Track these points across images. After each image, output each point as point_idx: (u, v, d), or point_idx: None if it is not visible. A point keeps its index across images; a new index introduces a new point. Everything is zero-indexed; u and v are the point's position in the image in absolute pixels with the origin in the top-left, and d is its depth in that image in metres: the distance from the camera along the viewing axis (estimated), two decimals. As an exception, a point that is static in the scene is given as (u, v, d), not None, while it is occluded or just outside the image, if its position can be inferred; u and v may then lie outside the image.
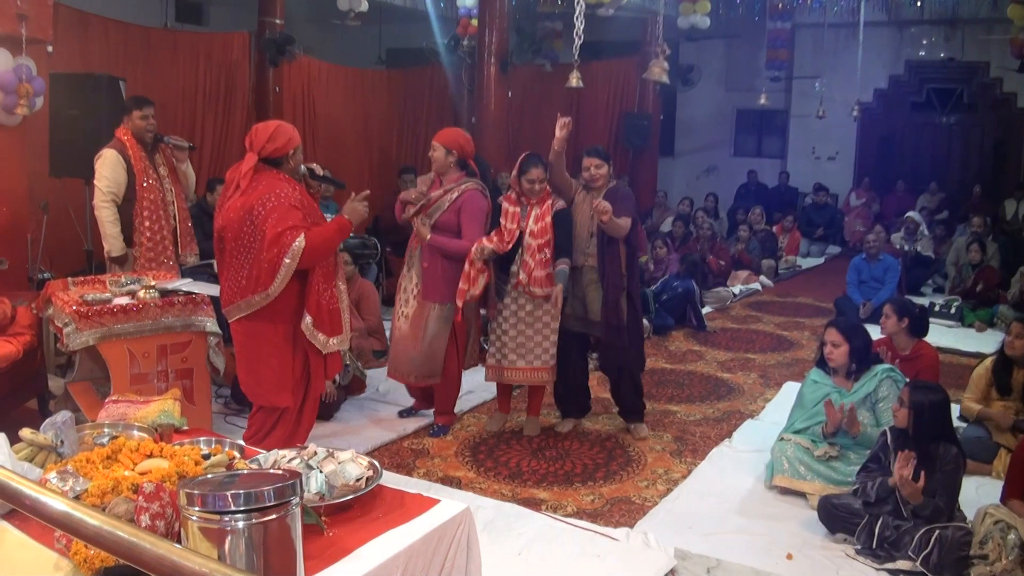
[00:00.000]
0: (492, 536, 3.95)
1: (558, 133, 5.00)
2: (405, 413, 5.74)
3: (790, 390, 6.03)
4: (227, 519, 2.05)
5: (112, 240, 5.60)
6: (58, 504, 1.50)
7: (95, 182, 5.58)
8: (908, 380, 4.69)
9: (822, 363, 4.82)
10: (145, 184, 5.61)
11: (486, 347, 6.86)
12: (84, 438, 2.98)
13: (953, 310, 8.88)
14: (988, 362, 5.24)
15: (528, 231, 5.13)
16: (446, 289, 5.19)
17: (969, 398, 5.21)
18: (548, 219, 5.14)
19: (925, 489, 3.84)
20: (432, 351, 5.26)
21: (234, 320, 4.19)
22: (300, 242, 3.95)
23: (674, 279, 8.72)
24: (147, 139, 5.69)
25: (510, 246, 5.17)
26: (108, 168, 5.54)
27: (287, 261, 3.96)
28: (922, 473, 3.83)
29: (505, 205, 5.24)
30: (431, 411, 5.67)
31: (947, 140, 15.53)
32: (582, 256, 5.26)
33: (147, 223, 5.62)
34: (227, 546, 2.06)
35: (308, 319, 4.11)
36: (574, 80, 6.77)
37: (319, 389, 4.37)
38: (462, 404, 5.94)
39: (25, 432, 2.75)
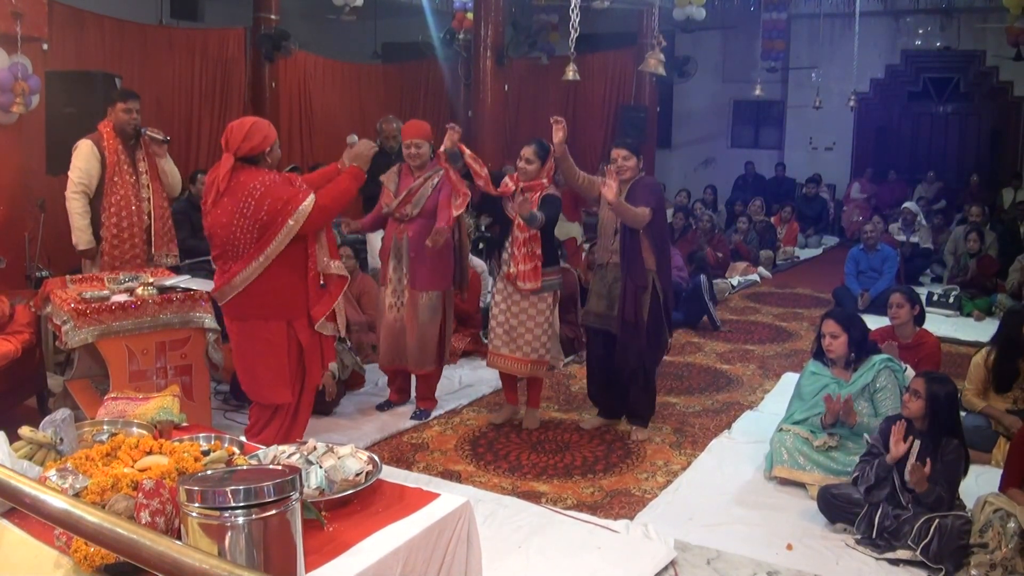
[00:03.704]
0: (492, 529, 3.95)
1: (555, 138, 4.94)
2: (383, 406, 5.76)
3: (789, 381, 6.03)
4: (227, 515, 2.06)
5: (79, 233, 5.47)
6: (58, 502, 1.50)
7: (69, 172, 5.45)
8: (917, 371, 4.70)
9: (819, 354, 4.83)
10: (116, 179, 5.45)
11: (485, 340, 6.90)
12: (83, 435, 2.98)
13: (952, 299, 8.89)
14: (984, 351, 5.23)
15: (516, 222, 5.14)
16: (433, 277, 5.34)
17: (970, 390, 5.20)
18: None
19: (929, 477, 3.85)
20: (424, 340, 5.40)
21: (229, 320, 4.20)
22: (309, 202, 3.96)
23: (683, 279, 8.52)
24: (128, 132, 5.54)
25: (490, 188, 5.24)
26: (82, 159, 5.41)
27: (290, 223, 3.95)
28: (927, 460, 3.85)
29: (507, 179, 5.32)
30: (408, 404, 5.75)
31: (944, 129, 15.54)
32: (607, 253, 5.21)
33: (114, 219, 5.46)
34: (227, 542, 2.06)
35: (334, 262, 4.19)
36: (570, 73, 6.75)
37: (315, 380, 4.37)
38: (461, 398, 5.97)
39: (24, 430, 2.75)
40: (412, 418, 5.58)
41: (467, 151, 5.24)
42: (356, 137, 4.43)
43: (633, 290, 5.08)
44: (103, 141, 5.46)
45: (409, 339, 5.43)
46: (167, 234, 5.73)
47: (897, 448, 3.91)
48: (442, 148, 5.21)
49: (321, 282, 4.19)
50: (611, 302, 5.20)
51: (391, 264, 5.41)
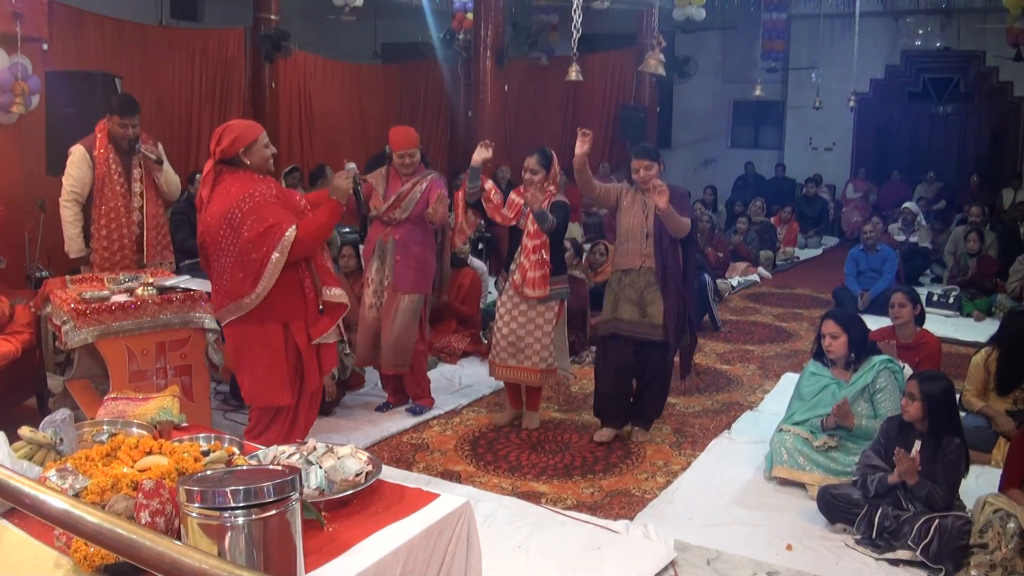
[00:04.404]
0: (492, 530, 3.95)
1: (578, 149, 4.94)
2: (382, 408, 5.76)
3: (789, 381, 6.03)
4: (227, 515, 2.05)
5: (69, 241, 5.42)
6: (58, 502, 1.50)
7: (63, 178, 5.40)
8: (912, 371, 4.70)
9: (819, 355, 4.82)
10: (107, 190, 5.35)
11: (484, 340, 6.91)
12: (83, 436, 2.98)
13: (952, 300, 8.90)
14: (984, 352, 5.23)
15: (525, 231, 5.14)
16: (416, 280, 5.40)
17: (970, 391, 5.20)
18: None
19: (926, 474, 3.85)
20: (401, 341, 5.42)
21: (225, 324, 4.21)
22: (291, 233, 3.97)
23: None
24: (123, 145, 5.42)
25: (503, 217, 5.28)
26: (74, 166, 5.34)
27: (275, 256, 3.96)
28: (917, 452, 3.85)
29: (513, 195, 5.32)
30: (405, 406, 5.75)
31: (944, 130, 15.55)
32: (638, 257, 5.09)
33: (104, 231, 5.38)
34: (227, 542, 2.06)
35: (336, 290, 4.18)
36: (573, 74, 6.76)
37: (313, 384, 4.34)
38: (461, 398, 5.97)
39: (24, 430, 2.75)
40: (408, 411, 5.63)
41: (489, 182, 5.31)
42: (354, 165, 4.47)
43: (675, 297, 5.05)
44: (95, 149, 5.37)
45: (384, 339, 5.45)
46: (161, 242, 5.63)
47: (901, 467, 3.89)
48: (473, 163, 5.23)
49: (320, 307, 4.21)
50: (643, 308, 5.07)
51: (374, 265, 5.46)
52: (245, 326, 4.14)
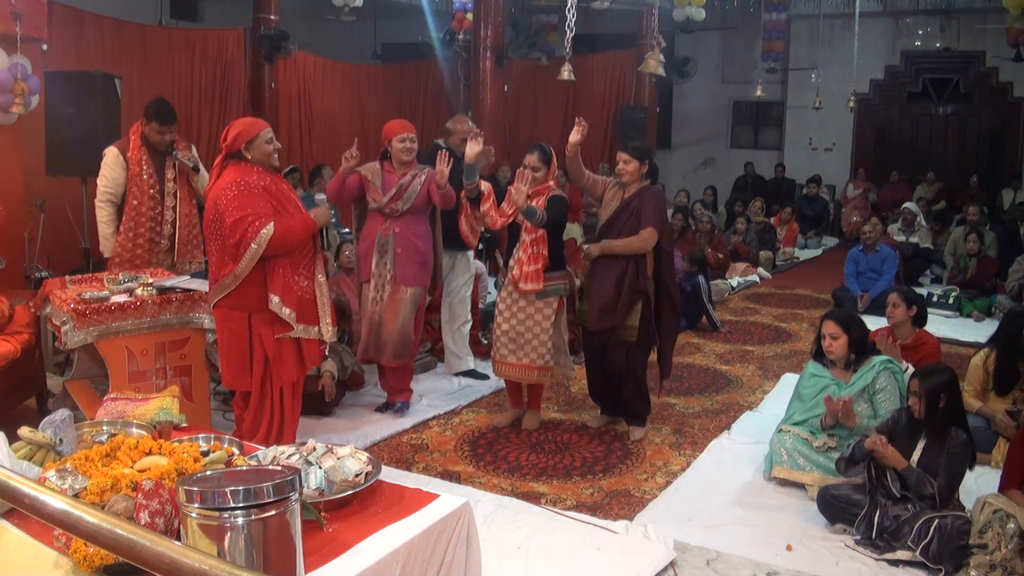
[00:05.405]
0: (492, 530, 3.95)
1: (572, 137, 5.07)
2: (382, 408, 5.75)
3: (789, 381, 6.03)
4: (226, 515, 2.06)
5: (103, 240, 5.53)
6: (57, 502, 1.50)
7: (97, 179, 5.51)
8: (913, 370, 4.70)
9: (819, 356, 4.82)
10: (136, 190, 5.44)
11: (484, 340, 6.90)
12: (83, 436, 2.98)
13: (951, 300, 8.90)
14: (983, 353, 5.23)
15: (523, 225, 5.14)
16: (418, 273, 5.44)
17: (968, 391, 5.20)
18: None
19: (928, 467, 3.85)
20: (404, 333, 5.45)
21: (212, 305, 4.40)
22: (269, 230, 4.14)
23: (682, 280, 8.25)
24: (160, 149, 5.53)
25: (501, 220, 5.27)
26: (108, 168, 5.46)
27: (253, 247, 4.14)
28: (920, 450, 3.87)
29: (512, 189, 5.28)
30: (407, 403, 5.73)
31: (944, 130, 15.55)
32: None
33: (130, 232, 5.46)
34: (227, 543, 2.06)
35: (276, 298, 4.23)
36: (565, 73, 6.76)
37: (285, 379, 4.40)
38: (460, 398, 5.97)
39: (24, 430, 2.75)
40: (395, 412, 5.63)
41: (485, 184, 5.31)
42: (323, 196, 4.62)
43: (604, 298, 5.08)
44: (128, 150, 5.47)
45: (388, 332, 5.43)
46: (192, 241, 5.69)
47: (874, 441, 3.90)
48: (467, 159, 5.20)
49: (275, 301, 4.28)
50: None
51: (374, 259, 5.43)
52: (223, 310, 4.32)
